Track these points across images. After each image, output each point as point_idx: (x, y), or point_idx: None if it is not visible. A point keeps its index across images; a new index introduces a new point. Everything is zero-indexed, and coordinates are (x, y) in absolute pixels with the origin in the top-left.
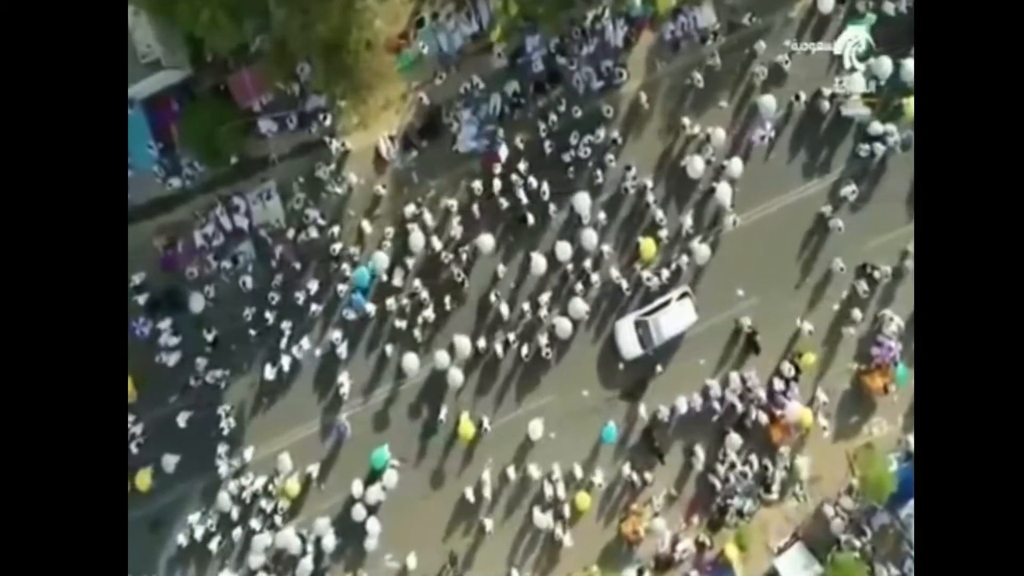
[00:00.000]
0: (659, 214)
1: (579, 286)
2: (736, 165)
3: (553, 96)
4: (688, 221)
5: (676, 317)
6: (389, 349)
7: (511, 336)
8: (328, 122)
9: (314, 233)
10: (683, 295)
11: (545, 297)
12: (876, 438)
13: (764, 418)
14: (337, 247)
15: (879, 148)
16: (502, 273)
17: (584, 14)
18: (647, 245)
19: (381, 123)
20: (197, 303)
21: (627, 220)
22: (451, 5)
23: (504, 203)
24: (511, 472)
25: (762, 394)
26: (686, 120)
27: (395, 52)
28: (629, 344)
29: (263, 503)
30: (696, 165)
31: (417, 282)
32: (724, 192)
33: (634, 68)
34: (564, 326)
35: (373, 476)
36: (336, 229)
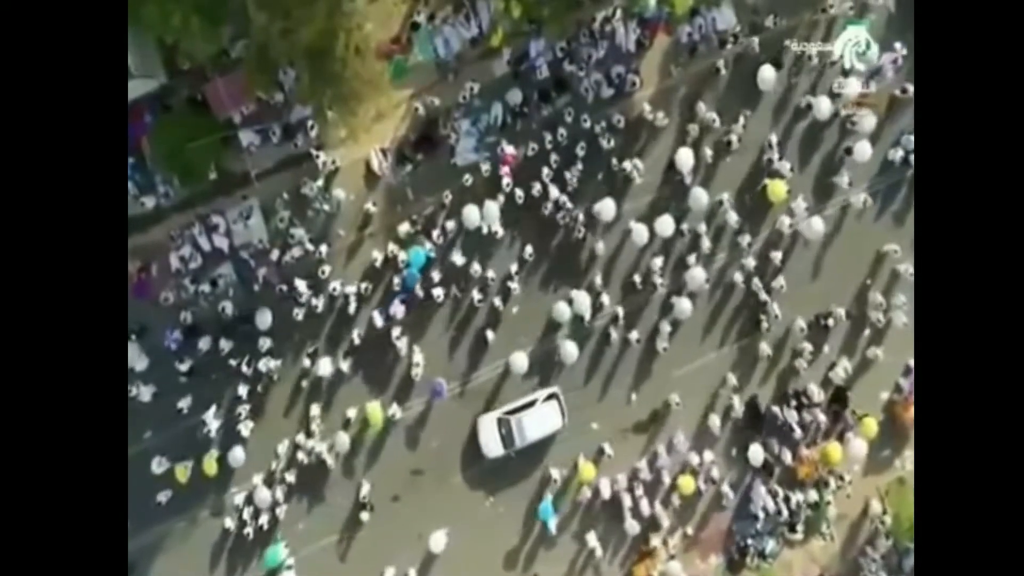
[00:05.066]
0: (785, 166)
1: (692, 258)
2: (869, 121)
3: (559, 105)
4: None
5: (541, 419)
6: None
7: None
8: (315, 134)
9: (299, 254)
10: (550, 396)
11: (657, 263)
12: (909, 473)
13: (788, 455)
14: (326, 268)
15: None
16: (600, 250)
17: (593, 16)
18: (775, 187)
19: (372, 135)
20: (264, 320)
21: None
22: (448, 7)
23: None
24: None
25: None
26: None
27: (387, 58)
28: (490, 443)
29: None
30: (822, 107)
31: (529, 248)
32: (863, 152)
33: (647, 74)
34: (683, 306)
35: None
36: (324, 249)
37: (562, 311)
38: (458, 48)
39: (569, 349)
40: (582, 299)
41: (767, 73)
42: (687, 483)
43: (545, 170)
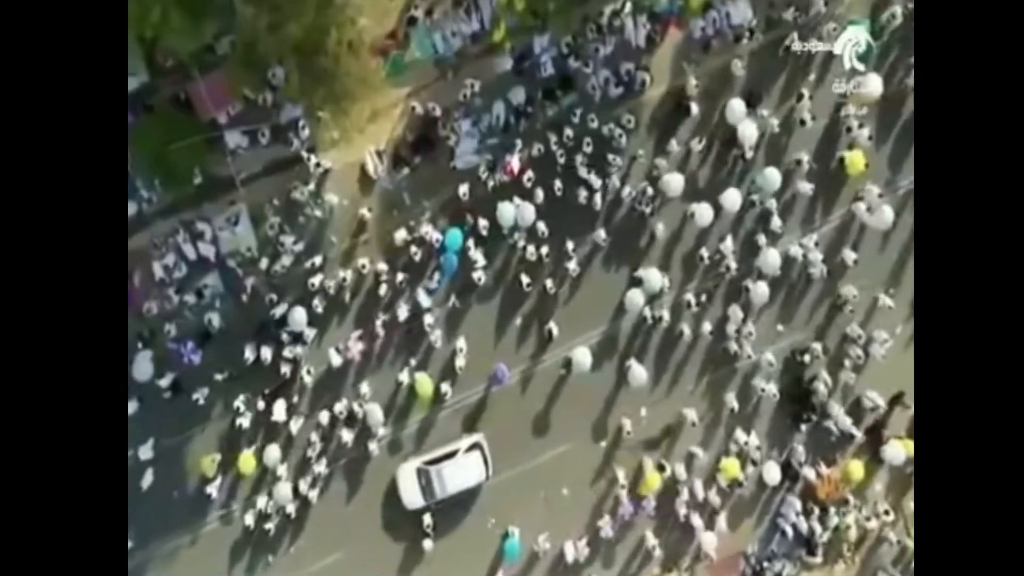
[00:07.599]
0: (864, 134)
1: (762, 237)
2: None
3: (565, 104)
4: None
5: (462, 470)
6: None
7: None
8: (306, 135)
9: (290, 262)
10: (473, 446)
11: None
12: None
13: (811, 473)
14: (317, 280)
15: None
16: (662, 232)
17: (600, 10)
18: (854, 160)
19: (367, 137)
20: (298, 320)
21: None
22: (448, 1)
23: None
24: None
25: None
26: None
27: (382, 55)
28: (410, 493)
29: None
30: (873, 84)
31: (602, 232)
32: None
33: (658, 71)
34: (761, 291)
35: None
36: (316, 258)
37: (635, 297)
38: (458, 44)
39: (637, 373)
40: (653, 277)
41: (737, 106)
42: (731, 466)
43: (579, 158)
